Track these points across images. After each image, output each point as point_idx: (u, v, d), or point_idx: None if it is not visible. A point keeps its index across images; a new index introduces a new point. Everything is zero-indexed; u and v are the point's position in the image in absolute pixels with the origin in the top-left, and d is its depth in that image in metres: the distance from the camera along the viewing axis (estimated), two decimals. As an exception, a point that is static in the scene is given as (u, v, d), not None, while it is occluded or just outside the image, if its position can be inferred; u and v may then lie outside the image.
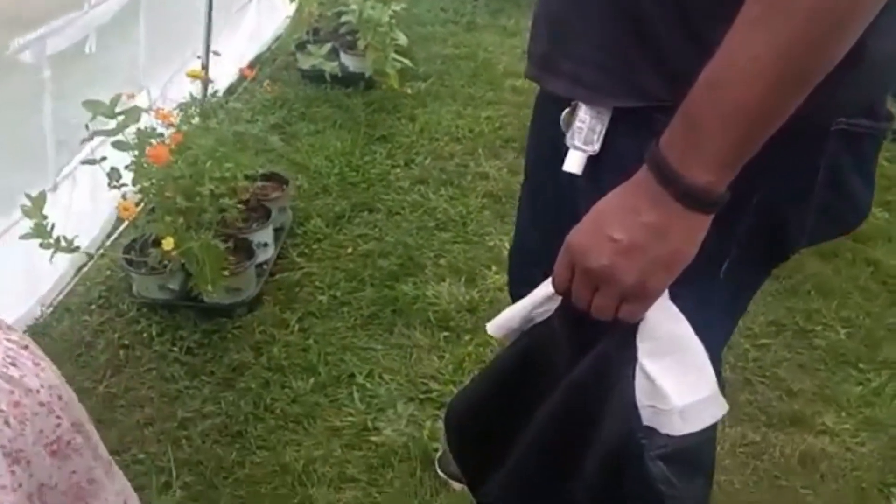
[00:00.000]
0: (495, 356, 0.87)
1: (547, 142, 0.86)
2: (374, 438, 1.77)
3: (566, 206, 0.78)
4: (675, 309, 0.75)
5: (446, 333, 2.06)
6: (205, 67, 2.48)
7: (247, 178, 2.11)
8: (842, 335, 2.11)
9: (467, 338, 2.04)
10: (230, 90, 3.20)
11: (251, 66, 3.53)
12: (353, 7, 2.88)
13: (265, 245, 2.20)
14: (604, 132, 0.73)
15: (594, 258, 0.68)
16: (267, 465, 1.71)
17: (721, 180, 0.63)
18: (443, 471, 1.67)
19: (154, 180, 1.85)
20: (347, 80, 3.22)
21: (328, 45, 3.07)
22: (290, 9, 3.49)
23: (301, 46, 3.29)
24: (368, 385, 1.91)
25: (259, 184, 2.35)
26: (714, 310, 0.79)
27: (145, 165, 1.84)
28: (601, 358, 0.77)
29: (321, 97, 3.20)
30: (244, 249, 2.10)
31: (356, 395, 1.88)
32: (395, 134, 2.99)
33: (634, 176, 0.67)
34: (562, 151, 0.77)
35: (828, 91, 0.60)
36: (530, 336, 0.84)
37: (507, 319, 0.86)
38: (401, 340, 2.04)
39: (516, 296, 0.92)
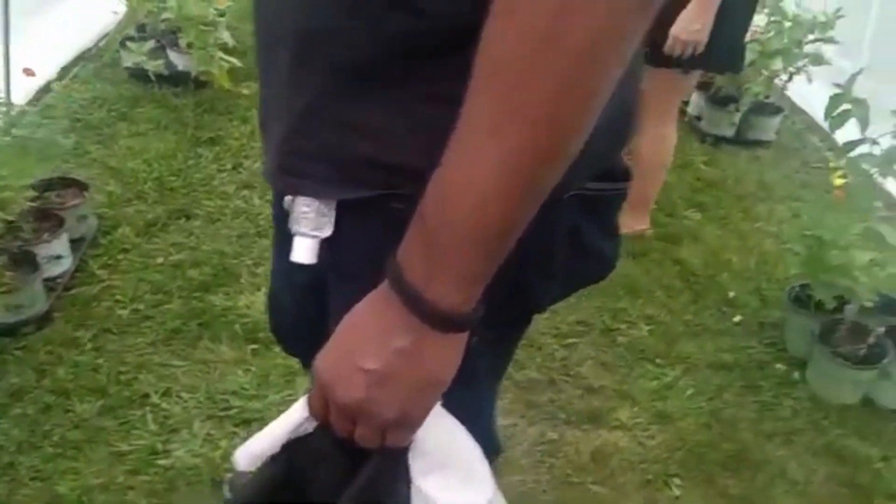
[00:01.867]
0: (256, 473, 0.75)
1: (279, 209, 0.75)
2: (161, 462, 1.68)
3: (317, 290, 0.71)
4: (442, 413, 0.70)
5: (254, 346, 1.99)
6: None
7: (34, 186, 1.96)
8: (644, 332, 2.22)
9: (276, 349, 1.98)
10: (47, 88, 2.98)
11: (74, 62, 3.30)
12: (172, 3, 2.73)
13: (58, 257, 2.05)
14: (334, 215, 0.66)
15: (346, 393, 0.61)
16: (38, 499, 1.58)
17: (469, 298, 0.58)
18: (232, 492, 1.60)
19: None
20: (176, 79, 3.07)
21: (151, 42, 2.91)
22: (115, 1, 3.29)
23: (125, 43, 3.11)
24: (164, 405, 1.81)
25: (56, 192, 2.18)
26: (478, 385, 0.78)
27: None
28: (373, 482, 0.70)
29: (146, 97, 3.03)
30: (27, 262, 1.94)
31: (149, 417, 1.78)
32: (225, 136, 2.88)
33: (380, 288, 0.60)
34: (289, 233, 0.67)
35: None
36: (292, 451, 0.77)
37: (261, 449, 0.74)
38: (205, 355, 1.95)
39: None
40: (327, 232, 0.66)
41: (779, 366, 2.12)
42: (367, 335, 0.60)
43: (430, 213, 0.56)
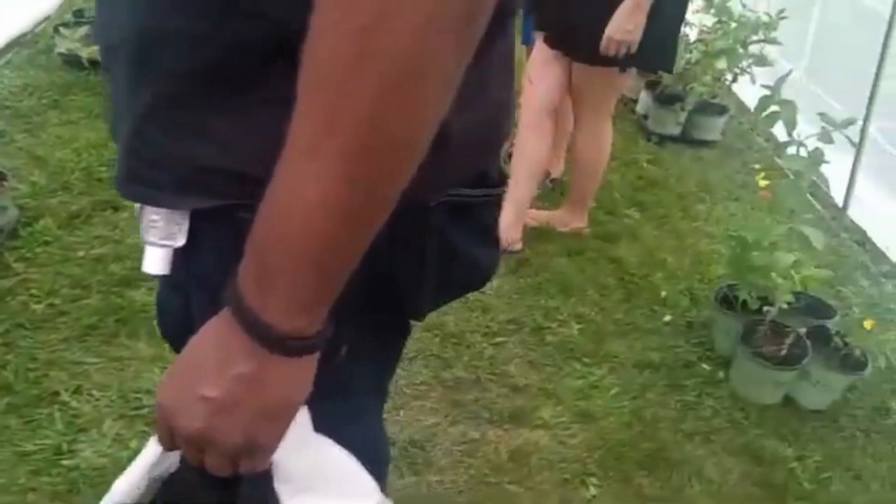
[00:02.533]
0: None
1: None
2: (66, 462, 1.63)
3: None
4: (309, 431, 0.67)
5: (173, 342, 1.94)
6: None
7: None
8: (574, 331, 2.22)
9: (196, 346, 1.94)
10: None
11: (8, 47, 3.20)
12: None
13: (-31, 250, 1.98)
14: (187, 224, 0.63)
15: (186, 422, 0.59)
16: (-68, 501, 1.53)
17: (311, 320, 0.55)
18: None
19: None
20: (112, 66, 2.99)
21: (85, 28, 2.83)
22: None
23: (58, 29, 3.02)
24: (74, 403, 1.76)
25: (-29, 181, 2.11)
26: (356, 395, 0.75)
27: None
28: None
29: (79, 84, 2.95)
30: (-68, 256, 1.87)
31: (57, 415, 1.73)
32: (161, 127, 2.81)
33: (221, 313, 0.57)
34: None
35: (418, 175, 0.53)
36: (164, 489, 0.73)
37: (128, 490, 0.71)
38: (120, 352, 1.90)
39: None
40: (180, 241, 0.63)
41: (704, 365, 2.14)
42: (208, 361, 0.58)
43: (261, 233, 0.53)
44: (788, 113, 2.02)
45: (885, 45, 2.53)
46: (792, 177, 2.03)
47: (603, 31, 2.00)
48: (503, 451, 1.82)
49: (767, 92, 2.05)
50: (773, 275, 1.85)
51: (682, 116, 3.35)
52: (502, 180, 0.74)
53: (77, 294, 2.04)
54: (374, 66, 0.46)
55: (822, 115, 2.02)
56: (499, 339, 2.15)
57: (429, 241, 0.68)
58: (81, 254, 2.18)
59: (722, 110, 3.41)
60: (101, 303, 2.03)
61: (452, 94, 0.50)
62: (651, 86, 3.48)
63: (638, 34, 1.98)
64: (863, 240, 2.82)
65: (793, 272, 1.85)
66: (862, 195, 2.83)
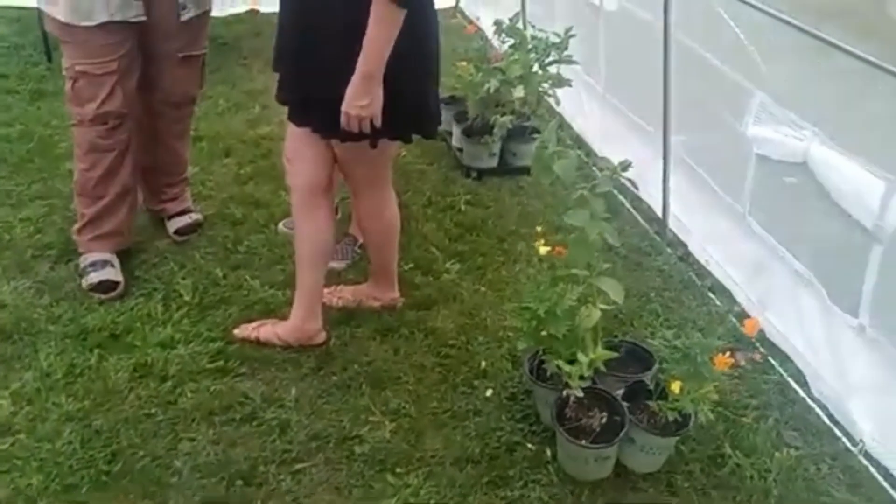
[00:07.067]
0: None
1: None
2: None
3: None
4: None
5: None
6: None
7: None
8: (387, 433, 1.97)
9: None
10: None
11: None
12: None
13: None
14: None
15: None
16: None
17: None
18: None
19: None
20: None
21: None
22: None
23: None
24: None
25: None
26: None
27: None
28: None
29: None
30: None
31: None
32: None
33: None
34: None
35: None
36: None
37: None
38: None
39: None
40: None
41: (530, 445, 1.94)
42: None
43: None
44: (566, 168, 1.85)
45: (665, 60, 2.44)
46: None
47: (340, 104, 1.77)
48: None
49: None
50: (574, 349, 1.67)
51: (495, 147, 3.19)
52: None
53: None
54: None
55: (601, 159, 1.89)
56: (299, 466, 1.87)
57: None
58: None
59: (535, 132, 3.28)
60: None
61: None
62: (460, 118, 3.31)
63: (376, 106, 1.76)
64: (685, 254, 2.74)
65: (580, 356, 1.68)
66: (678, 210, 2.76)
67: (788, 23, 1.80)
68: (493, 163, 3.22)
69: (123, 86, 2.27)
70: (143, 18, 2.23)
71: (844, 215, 1.85)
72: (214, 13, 2.55)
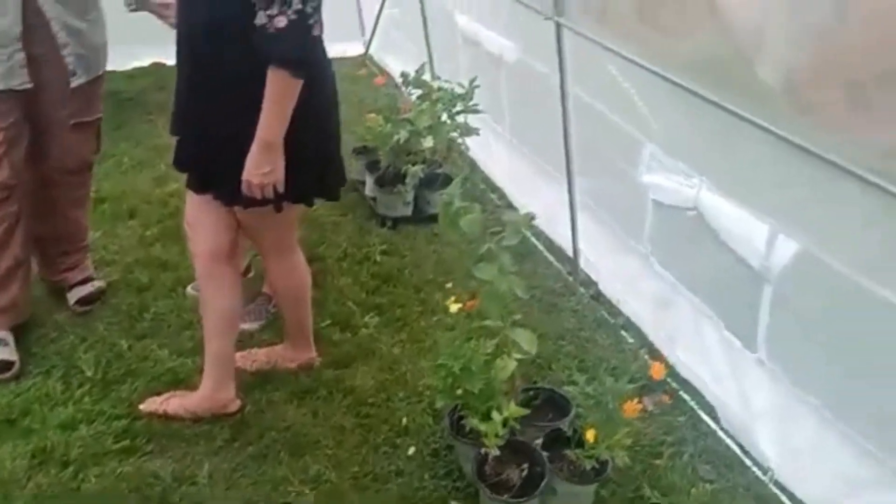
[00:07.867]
0: None
1: None
2: None
3: None
4: None
5: None
6: None
7: None
8: (309, 502, 1.91)
9: None
10: None
11: None
12: None
13: None
14: None
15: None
16: None
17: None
18: None
19: None
20: None
21: None
22: None
23: None
24: None
25: None
26: None
27: None
28: None
29: None
30: None
31: None
32: None
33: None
34: None
35: None
36: None
37: None
38: None
39: None
40: None
41: (454, 503, 1.93)
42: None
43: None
44: (471, 224, 1.88)
45: (564, 112, 2.54)
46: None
47: (241, 172, 1.75)
48: None
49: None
50: (491, 403, 1.68)
51: (409, 195, 3.21)
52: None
53: None
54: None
55: (508, 211, 1.93)
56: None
57: None
58: None
59: (448, 180, 3.32)
60: None
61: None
62: (372, 168, 3.32)
63: (279, 172, 1.75)
64: (597, 293, 2.81)
65: (494, 414, 1.69)
66: (587, 251, 2.84)
67: (670, 80, 1.91)
68: (408, 211, 3.24)
69: (11, 157, 2.17)
70: (29, 86, 2.14)
71: (738, 257, 1.94)
72: (117, 67, 2.47)
